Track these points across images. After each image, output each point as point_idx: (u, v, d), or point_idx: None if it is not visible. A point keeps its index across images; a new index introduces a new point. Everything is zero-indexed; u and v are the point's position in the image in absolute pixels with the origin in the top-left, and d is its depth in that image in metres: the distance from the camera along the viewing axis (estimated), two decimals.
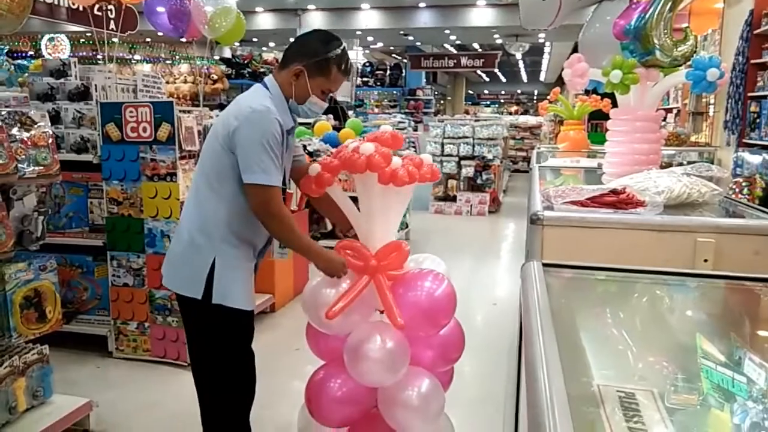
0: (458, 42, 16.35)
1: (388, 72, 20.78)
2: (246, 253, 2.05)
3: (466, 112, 26.09)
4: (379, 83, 19.54)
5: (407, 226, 6.55)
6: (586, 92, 7.19)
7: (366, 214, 2.13)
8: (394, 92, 19.77)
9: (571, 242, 1.41)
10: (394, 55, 22.72)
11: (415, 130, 11.09)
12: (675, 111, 7.83)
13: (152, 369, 3.31)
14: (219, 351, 2.08)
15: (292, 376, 3.24)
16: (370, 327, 2.11)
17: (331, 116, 9.28)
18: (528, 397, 0.55)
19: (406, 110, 18.05)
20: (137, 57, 13.36)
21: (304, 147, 6.07)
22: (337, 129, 6.97)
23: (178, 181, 3.17)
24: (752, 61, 5.14)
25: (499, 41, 15.17)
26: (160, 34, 5.37)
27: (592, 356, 0.73)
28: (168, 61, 13.14)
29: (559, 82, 29.82)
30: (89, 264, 3.48)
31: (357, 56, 15.29)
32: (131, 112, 3.15)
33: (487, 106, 32.86)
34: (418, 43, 17.20)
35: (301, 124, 7.89)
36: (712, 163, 5.83)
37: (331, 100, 10.49)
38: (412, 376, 2.12)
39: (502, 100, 37.90)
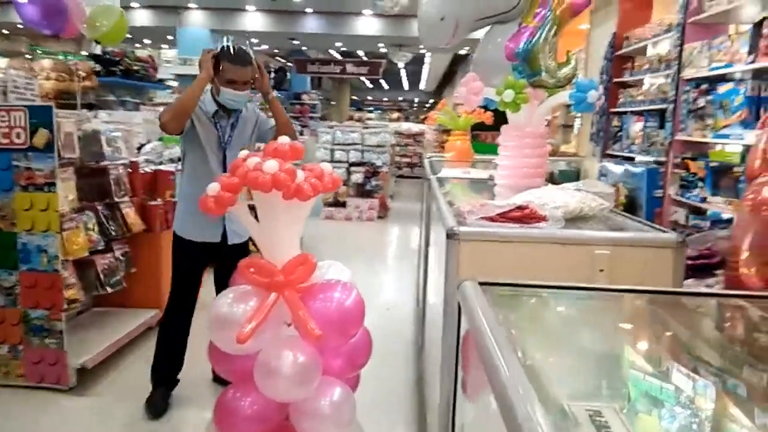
0: (343, 49, 16.48)
1: (273, 75, 20.50)
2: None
3: (351, 118, 26.37)
4: None
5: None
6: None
7: (269, 229, 2.11)
8: (279, 96, 19.52)
9: (484, 256, 1.49)
10: (277, 58, 22.42)
11: (301, 134, 11.05)
12: (545, 122, 8.44)
13: (30, 395, 3.02)
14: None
15: (178, 400, 3.11)
16: (279, 343, 2.08)
17: None
18: (508, 427, 0.57)
19: (292, 114, 17.88)
20: None
21: None
22: None
23: (58, 191, 2.93)
24: (615, 80, 5.68)
25: (383, 50, 15.50)
26: (20, 26, 4.91)
27: (543, 374, 0.79)
28: (28, 56, 12.04)
29: (438, 91, 31.14)
30: None
31: None
32: (2, 116, 2.87)
33: (370, 111, 33.44)
34: (304, 48, 17.11)
35: None
36: (579, 171, 6.38)
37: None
38: (323, 386, 2.12)
39: (384, 107, 38.73)
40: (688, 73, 4.02)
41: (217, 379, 3.04)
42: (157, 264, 4.00)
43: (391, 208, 9.79)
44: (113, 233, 3.59)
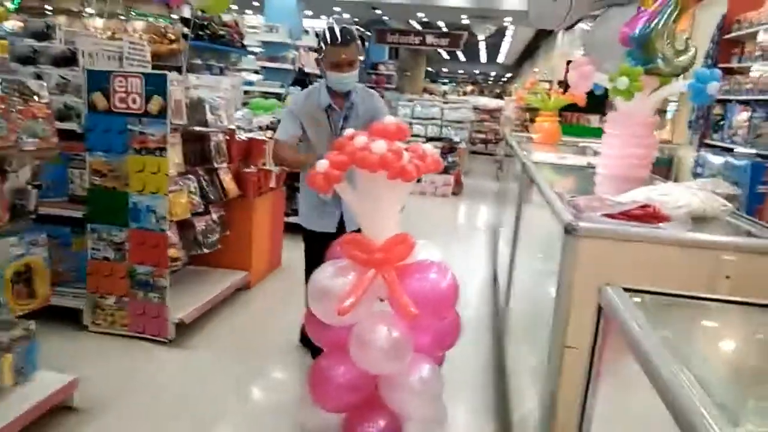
0: (425, 19, 16.22)
1: None
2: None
3: (425, 90, 26.06)
4: None
5: None
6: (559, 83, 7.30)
7: (371, 207, 2.16)
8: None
9: (603, 254, 1.48)
10: (357, 28, 22.40)
11: None
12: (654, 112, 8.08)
13: (131, 344, 3.25)
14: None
15: (266, 359, 3.25)
16: (375, 317, 2.14)
17: (299, 87, 9.16)
18: None
19: (368, 84, 17.88)
20: (89, 10, 12.69)
21: (279, 121, 5.97)
22: None
23: (168, 156, 3.09)
24: (720, 65, 5.35)
25: (465, 22, 15.17)
26: None
27: (727, 395, 0.77)
28: (122, 17, 12.54)
29: (518, 64, 30.26)
30: (66, 235, 3.36)
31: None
32: (120, 82, 3.04)
33: (445, 84, 32.98)
34: (385, 18, 16.97)
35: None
36: (673, 160, 6.10)
37: (300, 71, 10.32)
38: (413, 362, 2.18)
39: (459, 79, 38.09)
40: None
41: (304, 341, 3.16)
42: (249, 229, 4.17)
43: (465, 184, 9.72)
44: (212, 197, 3.76)
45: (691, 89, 2.39)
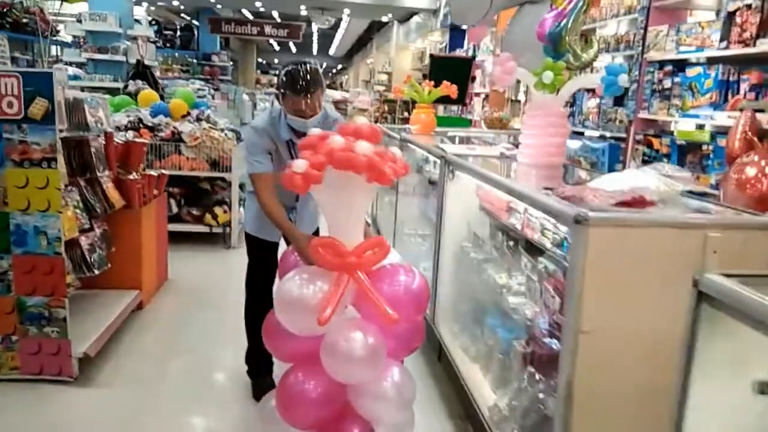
0: (262, 8, 15.78)
1: (179, 33, 19.29)
2: None
3: (258, 81, 25.40)
4: (168, 45, 18.04)
5: None
6: (424, 76, 7.57)
7: (344, 210, 2.09)
8: (187, 56, 18.46)
9: (611, 242, 1.58)
10: (182, 15, 21.12)
11: (213, 98, 10.33)
12: (483, 96, 8.68)
13: (26, 390, 2.78)
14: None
15: (188, 388, 2.99)
16: (347, 325, 2.07)
17: (139, 81, 8.43)
18: None
19: (201, 77, 16.97)
20: None
21: (140, 120, 5.46)
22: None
23: (59, 167, 2.68)
24: None
25: (304, 13, 15.04)
26: None
27: None
28: None
29: (348, 56, 30.73)
30: None
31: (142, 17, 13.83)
32: None
33: (276, 75, 32.40)
34: (218, 6, 16.19)
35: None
36: None
37: (139, 64, 9.48)
38: (384, 368, 2.15)
39: None
40: (654, 55, 4.31)
41: (251, 369, 2.94)
42: (138, 242, 3.78)
43: None
44: (97, 210, 3.33)
45: (604, 82, 2.62)
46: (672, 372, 1.66)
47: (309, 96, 2.40)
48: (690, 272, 1.12)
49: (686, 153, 4.01)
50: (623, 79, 2.60)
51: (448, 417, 2.78)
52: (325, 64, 35.00)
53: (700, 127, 3.95)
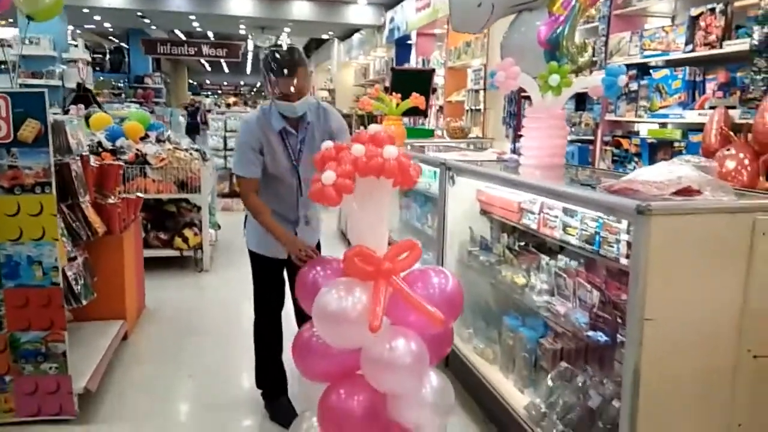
0: (199, 28, 15.45)
1: (108, 56, 18.67)
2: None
3: (192, 103, 24.86)
4: (98, 68, 17.41)
5: (219, 227, 6.14)
6: (386, 89, 7.64)
7: (372, 216, 2.06)
8: (118, 79, 17.88)
9: (673, 231, 1.63)
10: (111, 38, 20.44)
11: None
12: (437, 107, 8.81)
13: None
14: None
15: (196, 422, 2.87)
16: (386, 333, 2.03)
17: (81, 105, 8.08)
18: None
19: (134, 100, 16.44)
20: None
21: (99, 144, 5.21)
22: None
23: (53, 192, 2.51)
24: None
25: (243, 32, 14.84)
26: None
27: None
28: None
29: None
30: None
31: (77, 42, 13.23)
32: None
33: (207, 96, 31.82)
34: (154, 27, 15.72)
35: None
36: None
37: (80, 87, 9.07)
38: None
39: (222, 91, 37.11)
40: (618, 60, 4.50)
41: (263, 389, 2.85)
42: (120, 270, 3.58)
43: None
44: (81, 237, 3.14)
45: (605, 83, 2.71)
46: (731, 353, 1.73)
47: (293, 77, 2.34)
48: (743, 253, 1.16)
49: (657, 151, 4.20)
50: (622, 80, 2.69)
51: (472, 422, 2.77)
52: (259, 83, 34.67)
53: (663, 126, 4.18)
